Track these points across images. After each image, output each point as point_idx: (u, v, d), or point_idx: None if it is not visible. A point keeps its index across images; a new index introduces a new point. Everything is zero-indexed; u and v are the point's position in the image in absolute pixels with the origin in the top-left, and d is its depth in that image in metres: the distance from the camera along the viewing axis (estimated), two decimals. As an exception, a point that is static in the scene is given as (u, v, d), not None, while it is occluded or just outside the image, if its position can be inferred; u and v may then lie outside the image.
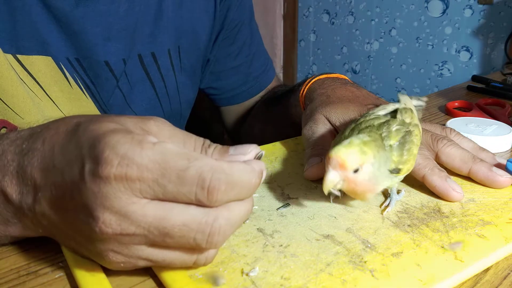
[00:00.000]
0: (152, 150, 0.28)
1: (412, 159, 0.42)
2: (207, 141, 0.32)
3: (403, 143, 0.41)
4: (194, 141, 0.32)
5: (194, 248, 0.30)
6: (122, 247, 0.30)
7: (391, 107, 0.45)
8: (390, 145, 0.40)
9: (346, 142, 0.38)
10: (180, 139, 0.32)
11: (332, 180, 0.37)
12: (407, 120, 0.43)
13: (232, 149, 0.32)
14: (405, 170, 0.41)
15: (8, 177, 0.32)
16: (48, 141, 0.31)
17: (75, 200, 0.29)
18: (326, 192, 0.38)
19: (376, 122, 0.42)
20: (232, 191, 0.29)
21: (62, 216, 0.31)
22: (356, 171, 0.37)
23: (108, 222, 0.28)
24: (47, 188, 0.31)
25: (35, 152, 0.31)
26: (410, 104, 0.45)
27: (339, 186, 0.38)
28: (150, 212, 0.28)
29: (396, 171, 0.40)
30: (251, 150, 0.32)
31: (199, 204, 0.29)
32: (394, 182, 0.42)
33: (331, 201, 0.43)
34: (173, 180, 0.28)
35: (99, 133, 0.29)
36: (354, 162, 0.37)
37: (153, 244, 0.30)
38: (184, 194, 0.28)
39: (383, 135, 0.41)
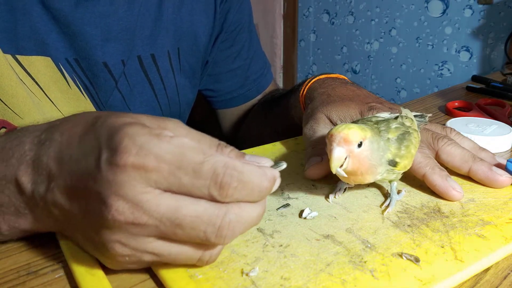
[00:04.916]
0: (169, 143, 0.29)
1: (410, 157, 0.42)
2: (223, 143, 0.33)
3: (401, 139, 0.42)
4: (209, 141, 0.32)
5: (203, 242, 0.30)
6: (130, 239, 0.30)
7: (392, 115, 0.46)
8: (389, 138, 0.41)
9: (343, 124, 0.39)
10: (195, 139, 0.32)
11: (339, 157, 0.37)
12: (407, 124, 0.44)
13: (248, 156, 0.32)
14: (402, 166, 0.41)
15: (24, 165, 0.32)
16: (67, 133, 0.32)
17: (89, 188, 0.29)
18: (334, 171, 0.38)
19: (374, 120, 0.43)
20: (243, 190, 0.30)
21: (74, 204, 0.31)
22: (360, 145, 0.38)
23: (121, 210, 0.28)
24: (61, 177, 0.31)
25: (53, 143, 0.32)
26: (411, 115, 0.47)
27: (345, 165, 0.38)
28: (163, 202, 0.29)
29: (393, 163, 0.41)
30: (266, 162, 0.33)
31: (211, 198, 0.30)
32: (391, 175, 0.42)
33: (331, 201, 0.43)
34: (189, 172, 0.29)
35: (118, 124, 0.30)
36: (357, 136, 0.37)
37: (162, 236, 0.30)
38: (198, 188, 0.29)
39: (381, 129, 0.42)
